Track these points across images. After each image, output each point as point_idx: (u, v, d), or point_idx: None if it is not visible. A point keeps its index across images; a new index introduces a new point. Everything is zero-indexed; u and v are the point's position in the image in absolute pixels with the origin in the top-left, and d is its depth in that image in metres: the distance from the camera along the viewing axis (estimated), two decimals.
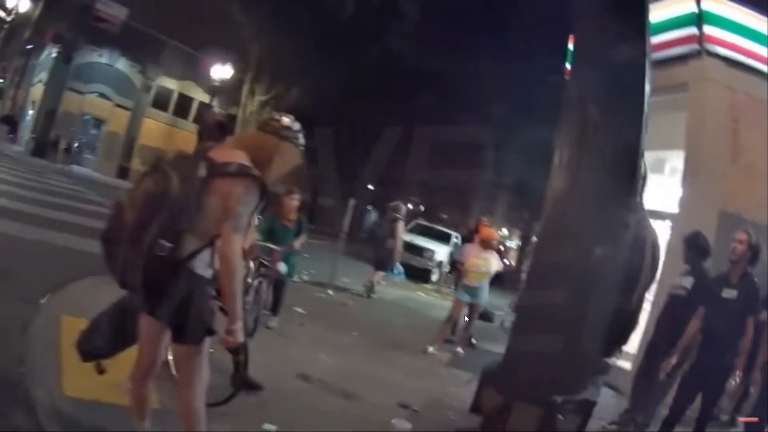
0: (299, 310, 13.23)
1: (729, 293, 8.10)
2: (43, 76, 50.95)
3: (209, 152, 4.52)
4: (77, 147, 47.21)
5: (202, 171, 4.35)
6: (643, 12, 3.77)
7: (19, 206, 16.48)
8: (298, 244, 11.45)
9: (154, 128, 52.30)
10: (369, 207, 74.25)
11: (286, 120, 4.81)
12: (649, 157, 14.41)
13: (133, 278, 4.36)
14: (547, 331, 3.65)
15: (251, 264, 8.96)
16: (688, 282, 9.19)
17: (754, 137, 12.77)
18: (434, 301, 23.28)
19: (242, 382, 6.33)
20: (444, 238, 32.76)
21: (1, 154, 35.44)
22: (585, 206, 3.57)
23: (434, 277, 29.67)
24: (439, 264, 30.29)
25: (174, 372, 5.37)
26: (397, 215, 20.75)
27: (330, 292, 17.85)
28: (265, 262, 10.39)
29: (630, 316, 4.39)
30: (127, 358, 5.03)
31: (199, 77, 48.97)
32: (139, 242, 4.28)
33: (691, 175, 13.13)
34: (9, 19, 42.85)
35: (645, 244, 4.33)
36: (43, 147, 44.36)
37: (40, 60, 53.56)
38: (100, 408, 5.67)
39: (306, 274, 18.84)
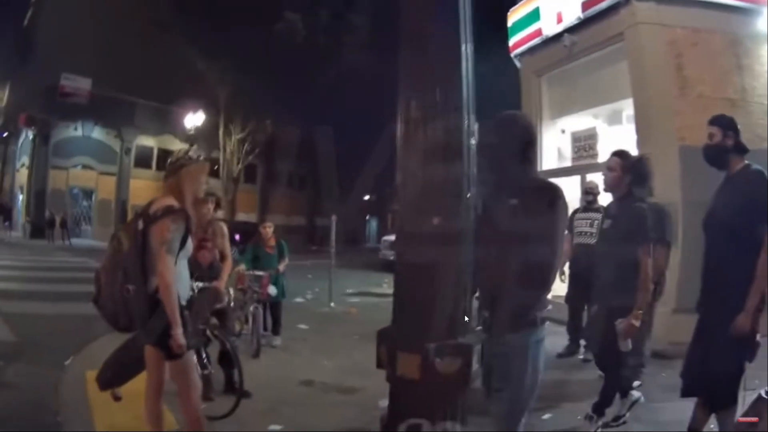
0: (303, 326, 13.97)
1: (606, 224, 7.52)
2: (25, 159, 52.01)
3: (149, 207, 5.51)
4: (72, 220, 47.94)
5: (140, 225, 5.36)
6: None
7: (31, 287, 18.02)
8: (282, 266, 12.32)
9: (143, 187, 52.03)
10: (367, 217, 74.65)
11: (174, 156, 5.79)
12: (605, 110, 15.61)
13: (122, 322, 5.39)
14: (419, 287, 4.18)
15: (231, 291, 9.74)
16: None
17: (699, 68, 13.20)
18: None
19: (241, 393, 7.55)
20: None
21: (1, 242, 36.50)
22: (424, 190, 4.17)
23: None
24: None
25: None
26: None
27: (332, 304, 18.43)
28: (256, 289, 11.54)
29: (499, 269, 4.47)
30: (142, 393, 5.87)
31: (175, 129, 49.72)
32: (113, 293, 5.30)
33: (642, 119, 13.52)
34: None
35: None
36: (39, 228, 45.11)
37: (19, 145, 54.93)
38: None
39: (310, 294, 19.98)
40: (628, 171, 7.28)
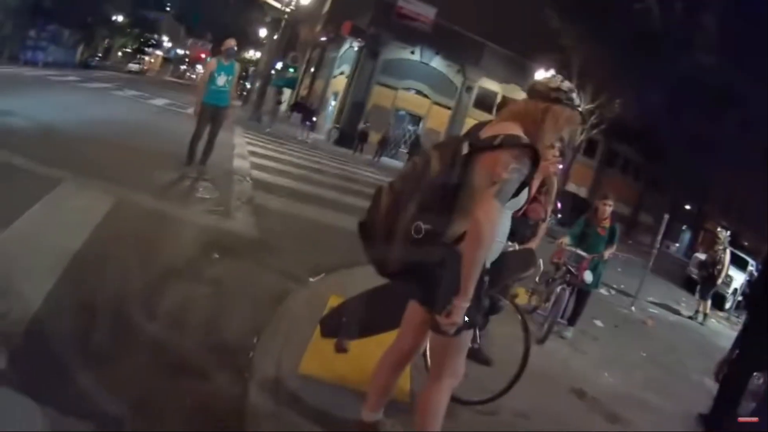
0: (598, 323, 12.88)
1: None
2: (345, 68, 53.87)
3: (480, 130, 4.17)
4: (393, 141, 48.74)
5: (465, 149, 3.97)
6: None
7: (325, 193, 17.88)
8: (607, 253, 10.94)
9: None
10: (684, 227, 73.30)
11: (555, 81, 4.25)
12: None
13: (390, 266, 4.11)
14: None
15: (540, 262, 8.40)
16: None
17: None
18: (722, 329, 22.07)
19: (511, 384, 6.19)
20: (742, 266, 30.65)
21: (297, 141, 38.13)
22: None
23: (727, 305, 28.48)
24: (734, 291, 28.97)
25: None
26: (726, 245, 20.50)
27: (633, 308, 17.42)
28: (571, 269, 10.45)
29: None
30: (373, 346, 4.99)
31: (523, 82, 48.27)
32: (395, 227, 4.01)
33: None
34: (288, 10, 44.82)
35: None
36: (348, 137, 46.29)
37: (340, 53, 56.96)
38: (329, 390, 5.38)
39: (615, 288, 19.23)
40: None
